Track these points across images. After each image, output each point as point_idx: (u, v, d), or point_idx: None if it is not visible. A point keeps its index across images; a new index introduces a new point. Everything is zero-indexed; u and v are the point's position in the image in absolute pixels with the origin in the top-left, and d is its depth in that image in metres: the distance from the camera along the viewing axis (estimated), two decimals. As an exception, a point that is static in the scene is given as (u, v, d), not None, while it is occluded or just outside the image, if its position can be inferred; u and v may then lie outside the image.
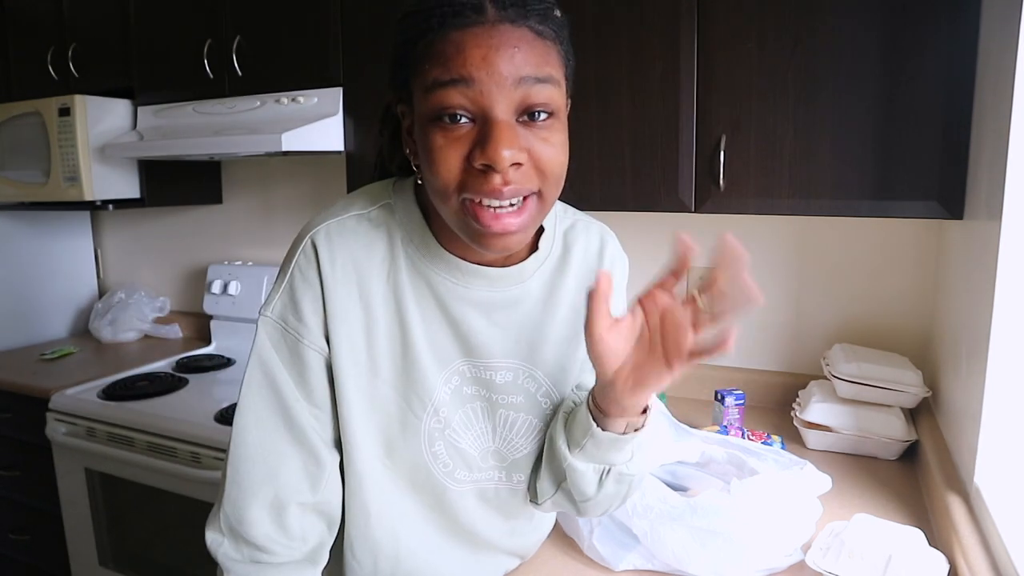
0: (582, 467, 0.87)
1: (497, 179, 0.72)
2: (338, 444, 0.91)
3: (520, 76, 0.71)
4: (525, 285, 0.92)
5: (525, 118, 0.74)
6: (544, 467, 0.95)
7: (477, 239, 0.77)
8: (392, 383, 0.89)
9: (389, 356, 0.89)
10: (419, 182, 0.86)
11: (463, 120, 0.73)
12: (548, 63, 0.74)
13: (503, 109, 0.72)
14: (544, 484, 0.96)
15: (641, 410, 0.84)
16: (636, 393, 0.80)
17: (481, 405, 0.94)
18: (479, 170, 0.72)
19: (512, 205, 0.75)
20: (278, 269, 0.90)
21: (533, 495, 0.99)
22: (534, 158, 0.74)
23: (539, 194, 0.77)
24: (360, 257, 0.86)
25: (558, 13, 0.77)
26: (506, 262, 0.90)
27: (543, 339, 0.94)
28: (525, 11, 0.73)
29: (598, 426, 0.84)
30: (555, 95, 0.75)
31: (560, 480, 0.92)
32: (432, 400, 0.90)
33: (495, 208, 0.74)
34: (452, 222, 0.79)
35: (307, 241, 0.86)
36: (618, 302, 1.03)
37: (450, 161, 0.73)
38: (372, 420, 0.90)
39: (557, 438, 0.90)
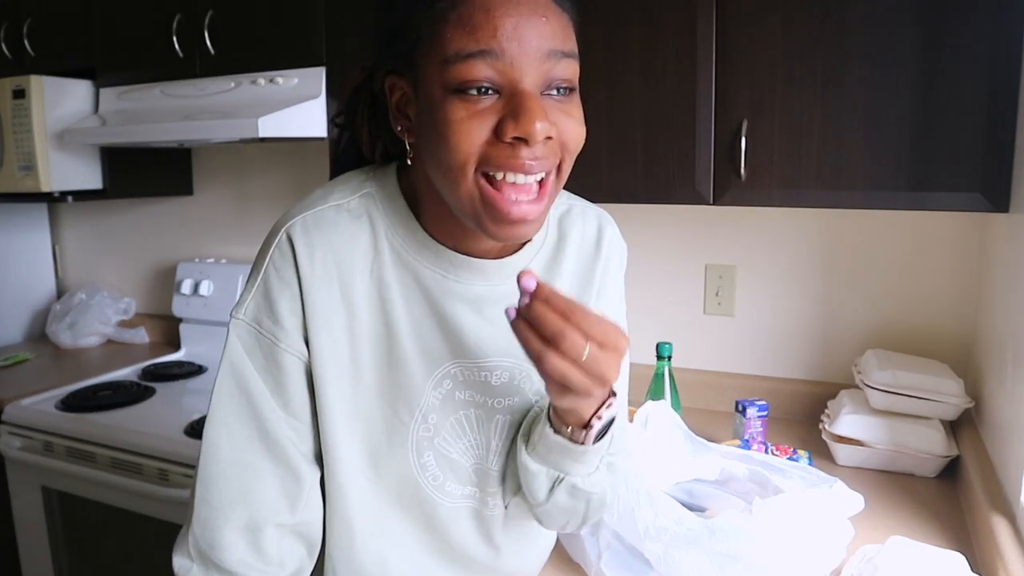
0: (535, 468, 0.88)
1: (526, 152, 0.74)
2: (318, 458, 0.91)
3: (549, 49, 0.74)
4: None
5: (550, 92, 0.76)
6: (510, 466, 0.96)
7: (490, 226, 0.79)
8: (376, 388, 0.89)
9: (373, 358, 0.89)
10: (409, 162, 0.86)
11: (489, 92, 0.74)
12: (569, 37, 0.78)
13: (531, 82, 0.74)
14: (509, 484, 0.97)
15: (582, 422, 0.82)
16: (559, 399, 0.78)
17: (476, 413, 0.94)
18: (507, 144, 0.74)
19: (537, 183, 0.78)
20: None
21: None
22: (559, 132, 0.77)
23: (558, 170, 0.80)
24: (341, 251, 0.86)
25: None
26: (499, 253, 0.91)
27: None
28: None
29: (550, 428, 0.85)
30: (576, 70, 0.79)
31: (520, 483, 0.93)
32: (420, 405, 0.90)
33: (517, 188, 0.76)
34: (461, 206, 0.79)
35: (282, 235, 0.85)
36: (615, 293, 1.04)
37: (473, 134, 0.74)
38: (356, 429, 0.90)
39: (520, 435, 0.92)
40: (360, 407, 0.89)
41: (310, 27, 1.98)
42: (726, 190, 1.58)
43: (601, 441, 0.86)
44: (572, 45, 0.78)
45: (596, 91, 1.65)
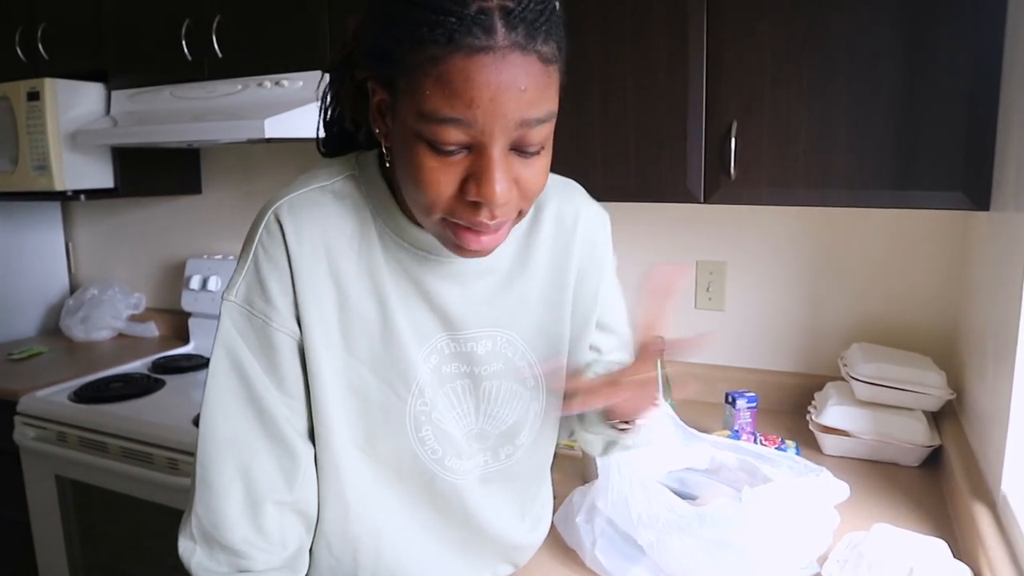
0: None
1: (486, 213, 0.76)
2: (312, 435, 0.91)
3: (523, 119, 0.72)
4: (498, 252, 0.92)
5: (520, 150, 0.76)
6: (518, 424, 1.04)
7: (451, 250, 0.82)
8: (371, 365, 0.89)
9: (366, 336, 0.89)
10: (388, 164, 0.86)
11: (459, 150, 0.74)
12: (550, 97, 0.75)
13: (501, 146, 0.73)
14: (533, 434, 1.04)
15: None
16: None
17: (462, 384, 0.95)
18: (470, 202, 0.75)
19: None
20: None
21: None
22: (521, 184, 0.77)
23: (519, 214, 0.82)
24: (327, 229, 0.86)
25: (557, 5, 0.76)
26: None
27: (520, 303, 0.97)
28: (534, 30, 0.71)
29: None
30: (550, 128, 0.77)
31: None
32: (416, 380, 0.91)
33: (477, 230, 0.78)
34: (428, 229, 0.83)
35: (269, 217, 0.85)
36: (607, 267, 1.07)
37: (442, 185, 0.75)
38: (349, 405, 0.90)
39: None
40: (353, 383, 0.89)
41: (314, 32, 1.98)
42: (716, 189, 1.57)
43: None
44: (550, 106, 0.75)
45: (591, 94, 1.65)
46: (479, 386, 0.96)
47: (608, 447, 1.04)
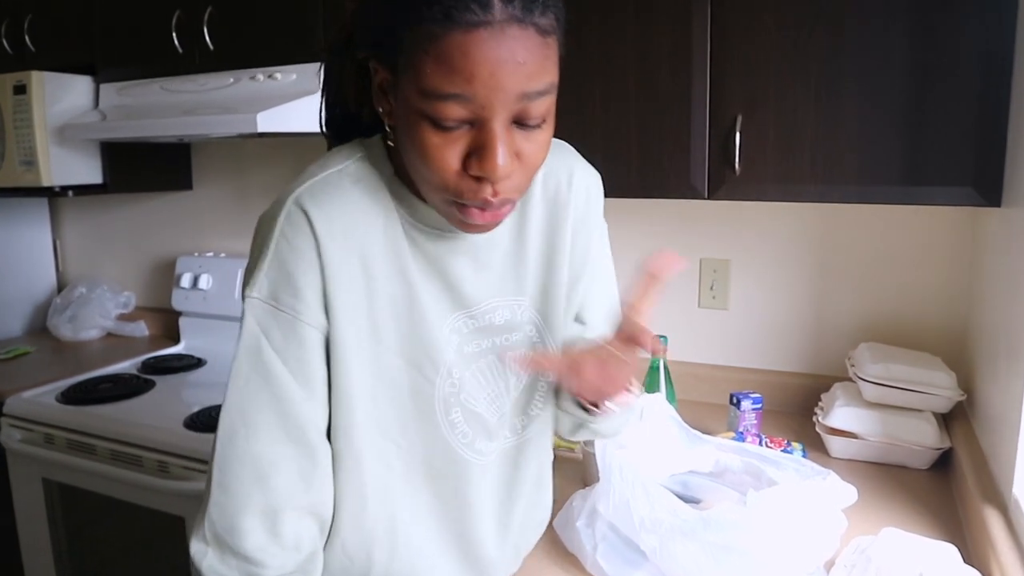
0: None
1: (489, 189, 0.77)
2: (328, 429, 0.90)
3: (523, 92, 0.74)
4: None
5: (521, 123, 0.77)
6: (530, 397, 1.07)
7: (457, 227, 0.85)
8: (398, 349, 0.90)
9: (393, 319, 0.89)
10: (391, 143, 0.87)
11: (461, 126, 0.76)
12: (549, 69, 0.76)
13: (502, 120, 0.75)
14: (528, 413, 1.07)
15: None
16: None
17: (487, 361, 0.97)
18: (473, 177, 0.77)
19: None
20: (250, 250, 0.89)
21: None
22: (522, 158, 0.79)
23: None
24: (355, 214, 0.86)
25: None
26: None
27: (523, 267, 0.99)
28: (531, 2, 0.72)
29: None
30: (551, 101, 0.79)
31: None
32: (444, 360, 0.92)
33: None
34: (435, 206, 0.84)
35: (290, 206, 0.84)
36: (598, 224, 1.08)
37: (446, 161, 0.77)
38: (379, 395, 0.90)
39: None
40: (382, 372, 0.90)
41: (309, 23, 1.97)
42: (721, 184, 1.57)
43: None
44: (550, 78, 0.77)
45: (591, 85, 1.64)
46: (505, 360, 0.97)
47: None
